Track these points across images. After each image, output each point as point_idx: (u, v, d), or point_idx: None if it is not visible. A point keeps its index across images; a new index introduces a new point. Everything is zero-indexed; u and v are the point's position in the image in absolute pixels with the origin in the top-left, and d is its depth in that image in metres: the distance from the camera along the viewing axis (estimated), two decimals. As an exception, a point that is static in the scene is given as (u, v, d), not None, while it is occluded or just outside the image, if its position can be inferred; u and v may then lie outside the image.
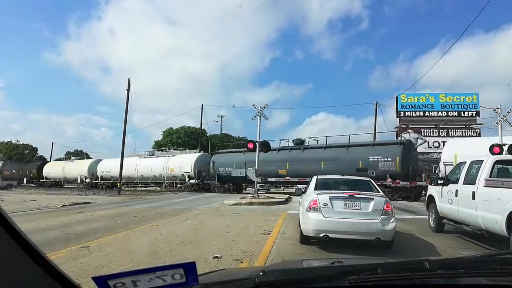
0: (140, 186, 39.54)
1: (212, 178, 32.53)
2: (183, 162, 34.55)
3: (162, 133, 58.24)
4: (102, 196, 25.73)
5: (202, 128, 47.57)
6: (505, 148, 16.46)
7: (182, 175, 34.14)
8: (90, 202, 18.83)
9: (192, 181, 33.44)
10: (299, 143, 29.17)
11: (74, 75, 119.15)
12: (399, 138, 30.73)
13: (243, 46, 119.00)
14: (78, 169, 43.82)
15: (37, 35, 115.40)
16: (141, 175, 37.45)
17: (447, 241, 8.02)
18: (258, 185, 21.92)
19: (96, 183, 40.86)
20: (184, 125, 56.64)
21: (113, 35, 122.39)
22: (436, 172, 18.27)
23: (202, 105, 44.24)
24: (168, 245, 7.01)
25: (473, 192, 7.16)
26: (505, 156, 11.62)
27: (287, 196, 22.46)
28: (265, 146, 21.11)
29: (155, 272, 0.92)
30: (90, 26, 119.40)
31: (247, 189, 32.31)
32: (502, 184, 6.45)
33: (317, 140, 29.49)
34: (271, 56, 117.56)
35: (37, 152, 76.05)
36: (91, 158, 48.91)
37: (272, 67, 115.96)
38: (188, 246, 6.97)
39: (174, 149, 42.30)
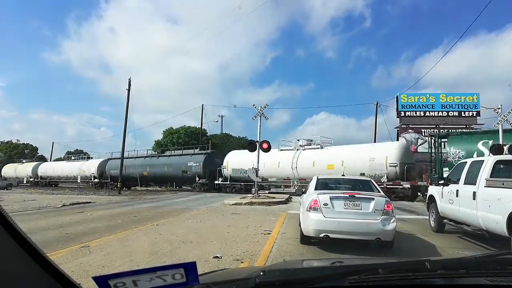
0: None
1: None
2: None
3: (162, 132, 58.23)
4: (102, 196, 25.75)
5: (203, 128, 47.69)
6: (506, 148, 16.44)
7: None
8: (90, 202, 18.85)
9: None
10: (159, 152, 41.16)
11: (75, 75, 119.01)
12: (399, 139, 30.77)
13: (244, 45, 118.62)
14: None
15: (37, 34, 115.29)
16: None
17: (447, 241, 8.02)
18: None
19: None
20: (185, 125, 56.63)
21: (113, 34, 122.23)
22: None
23: (203, 105, 44.33)
24: (168, 245, 7.01)
25: (474, 192, 7.15)
26: (505, 156, 11.60)
27: (287, 196, 22.46)
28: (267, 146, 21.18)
29: (156, 272, 0.92)
30: (90, 25, 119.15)
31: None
32: (503, 184, 6.44)
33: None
34: (272, 55, 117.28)
35: (37, 151, 76.22)
36: (91, 158, 48.80)
37: (273, 66, 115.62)
38: (189, 246, 6.97)
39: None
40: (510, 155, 12.69)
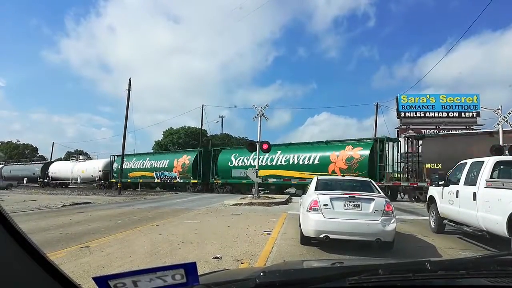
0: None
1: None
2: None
3: (162, 133, 58.29)
4: (102, 196, 25.75)
5: (203, 128, 47.71)
6: (506, 149, 16.45)
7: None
8: (90, 202, 18.86)
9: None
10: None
11: (74, 74, 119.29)
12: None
13: (245, 45, 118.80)
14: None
15: (36, 32, 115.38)
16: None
17: (447, 242, 8.01)
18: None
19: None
20: (185, 125, 56.69)
21: (113, 32, 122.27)
22: None
23: (203, 105, 44.33)
24: (168, 246, 7.01)
25: (474, 193, 7.15)
26: (506, 157, 11.61)
27: (287, 196, 22.47)
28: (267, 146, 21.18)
29: (156, 273, 0.92)
30: (89, 24, 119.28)
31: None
32: (503, 185, 6.44)
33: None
34: (274, 55, 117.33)
35: (38, 152, 76.24)
36: (91, 159, 48.36)
37: (275, 66, 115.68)
38: (189, 247, 6.97)
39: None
40: (510, 156, 12.70)
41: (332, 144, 26.15)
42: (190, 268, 0.94)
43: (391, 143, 24.29)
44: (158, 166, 35.70)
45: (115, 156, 38.49)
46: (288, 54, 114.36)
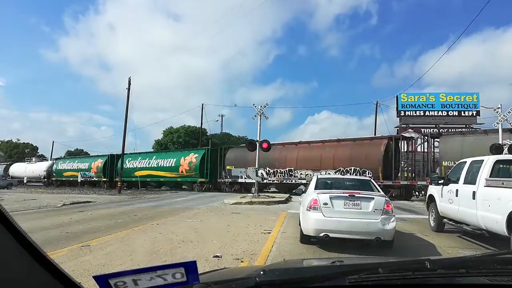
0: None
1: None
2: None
3: (162, 132, 58.23)
4: (102, 195, 25.76)
5: (203, 127, 47.68)
6: (505, 148, 16.45)
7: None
8: (90, 201, 18.86)
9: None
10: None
11: (74, 73, 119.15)
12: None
13: (246, 43, 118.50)
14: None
15: (35, 30, 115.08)
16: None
17: (447, 240, 8.02)
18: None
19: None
20: (185, 124, 56.54)
21: (112, 30, 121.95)
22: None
23: (203, 104, 44.32)
24: (168, 244, 7.02)
25: (474, 192, 7.15)
26: (505, 156, 11.61)
27: (287, 195, 22.48)
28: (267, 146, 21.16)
29: (156, 271, 0.92)
30: (88, 21, 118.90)
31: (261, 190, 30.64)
32: (503, 184, 6.45)
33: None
34: (275, 53, 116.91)
35: (38, 151, 76.21)
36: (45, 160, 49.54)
37: (276, 64, 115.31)
38: (189, 245, 6.98)
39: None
40: (509, 155, 12.70)
41: (180, 152, 35.39)
42: (190, 267, 0.95)
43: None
44: (164, 165, 35.33)
45: (55, 159, 47.18)
46: (289, 52, 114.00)
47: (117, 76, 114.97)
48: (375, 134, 34.85)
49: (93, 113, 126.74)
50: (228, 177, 30.54)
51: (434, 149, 22.32)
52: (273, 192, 28.34)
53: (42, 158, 61.41)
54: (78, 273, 4.76)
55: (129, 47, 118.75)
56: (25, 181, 48.58)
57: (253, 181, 20.84)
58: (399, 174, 23.03)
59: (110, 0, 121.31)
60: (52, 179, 45.68)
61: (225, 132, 62.48)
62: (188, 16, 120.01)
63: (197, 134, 49.73)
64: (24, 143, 77.51)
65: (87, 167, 41.92)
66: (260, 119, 21.44)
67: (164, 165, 35.28)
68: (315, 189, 7.29)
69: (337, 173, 22.98)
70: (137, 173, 36.45)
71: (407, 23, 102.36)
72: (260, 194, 20.92)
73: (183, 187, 35.21)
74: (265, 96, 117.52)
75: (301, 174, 26.65)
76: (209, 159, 31.82)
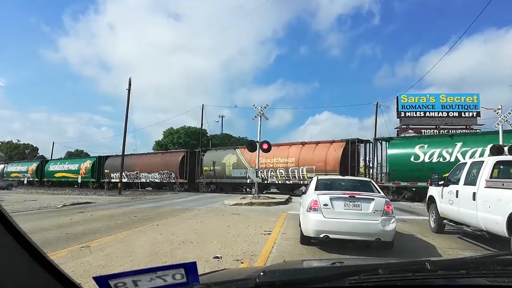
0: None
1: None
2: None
3: (162, 133, 58.27)
4: (102, 196, 25.75)
5: (203, 128, 47.70)
6: (506, 149, 16.44)
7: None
8: (90, 202, 18.86)
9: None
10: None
11: (74, 73, 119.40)
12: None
13: (247, 43, 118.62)
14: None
15: (35, 30, 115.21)
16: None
17: (447, 242, 8.02)
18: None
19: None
20: (185, 125, 56.66)
21: (112, 30, 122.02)
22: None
23: (203, 105, 44.32)
24: (168, 245, 7.01)
25: (474, 193, 7.15)
26: (505, 157, 11.61)
27: (287, 196, 22.49)
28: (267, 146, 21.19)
29: (156, 272, 0.92)
30: (88, 21, 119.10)
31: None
32: (503, 185, 6.44)
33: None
34: (276, 53, 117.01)
35: (38, 151, 76.25)
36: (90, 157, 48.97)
37: (277, 65, 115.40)
38: (189, 246, 6.97)
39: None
40: (510, 156, 12.70)
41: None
42: (190, 268, 0.95)
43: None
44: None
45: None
46: (291, 52, 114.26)
47: (117, 76, 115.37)
48: (375, 135, 34.81)
49: (93, 113, 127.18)
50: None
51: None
52: (274, 192, 28.41)
53: (41, 158, 61.46)
54: (78, 274, 4.76)
55: (129, 47, 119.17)
56: None
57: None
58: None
59: (111, 1, 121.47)
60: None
61: (226, 133, 62.56)
62: (188, 15, 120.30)
63: (197, 134, 49.78)
64: (24, 144, 77.55)
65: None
66: (260, 120, 21.44)
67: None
68: (315, 190, 7.28)
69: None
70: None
71: (409, 23, 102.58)
72: (260, 195, 20.91)
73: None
74: (266, 96, 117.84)
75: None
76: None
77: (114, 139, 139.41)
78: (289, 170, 27.32)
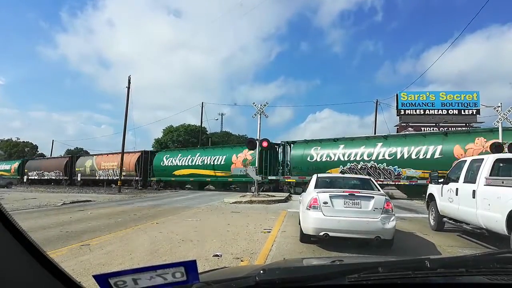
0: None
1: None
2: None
3: (162, 130, 58.22)
4: (102, 194, 25.77)
5: (203, 126, 47.68)
6: (506, 146, 16.47)
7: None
8: (90, 200, 18.87)
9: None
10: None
11: (73, 71, 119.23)
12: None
13: (248, 40, 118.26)
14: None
15: (33, 27, 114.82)
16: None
17: (447, 239, 8.03)
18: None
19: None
20: (184, 123, 56.55)
21: (111, 27, 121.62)
22: None
23: (203, 103, 44.34)
24: (168, 243, 7.02)
25: (474, 191, 7.15)
26: (505, 154, 11.62)
27: (287, 194, 22.52)
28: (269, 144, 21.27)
29: (156, 270, 0.92)
30: (87, 17, 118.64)
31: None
32: (503, 182, 6.44)
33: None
34: (277, 50, 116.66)
35: (37, 150, 76.23)
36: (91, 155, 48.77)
37: (278, 62, 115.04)
38: (189, 244, 6.98)
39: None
40: (509, 154, 12.71)
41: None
42: (190, 266, 0.95)
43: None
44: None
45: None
46: (292, 49, 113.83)
47: (117, 73, 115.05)
48: (375, 133, 34.83)
49: (93, 111, 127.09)
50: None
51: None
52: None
53: (41, 156, 61.49)
54: (78, 272, 4.77)
55: (129, 43, 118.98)
56: None
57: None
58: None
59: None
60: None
61: (225, 131, 62.54)
62: (189, 12, 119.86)
63: (197, 132, 49.76)
64: (24, 142, 77.53)
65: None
66: (260, 117, 21.44)
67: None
68: (315, 188, 7.29)
69: None
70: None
71: (411, 20, 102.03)
72: (260, 193, 20.93)
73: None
74: (267, 94, 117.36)
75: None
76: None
77: (114, 137, 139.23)
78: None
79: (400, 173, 21.93)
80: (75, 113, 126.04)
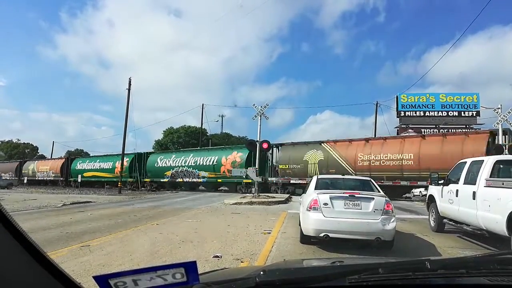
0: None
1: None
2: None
3: (162, 132, 58.24)
4: (102, 195, 25.76)
5: (203, 127, 47.69)
6: (506, 147, 16.46)
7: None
8: (90, 201, 18.87)
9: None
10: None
11: (73, 72, 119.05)
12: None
13: (249, 41, 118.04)
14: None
15: (33, 27, 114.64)
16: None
17: (447, 241, 8.02)
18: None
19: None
20: (185, 125, 56.58)
21: (111, 27, 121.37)
22: None
23: (203, 104, 44.36)
24: (168, 244, 7.02)
25: (474, 192, 7.15)
26: (505, 156, 11.62)
27: (287, 195, 22.51)
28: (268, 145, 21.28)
29: (156, 271, 0.92)
30: (87, 17, 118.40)
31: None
32: (503, 184, 6.44)
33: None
34: (279, 51, 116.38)
35: (38, 151, 76.22)
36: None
37: (279, 63, 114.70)
38: (189, 245, 6.98)
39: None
40: (510, 155, 12.71)
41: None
42: (190, 267, 0.95)
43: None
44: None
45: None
46: (294, 50, 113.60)
47: (117, 74, 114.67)
48: (375, 135, 34.82)
49: (93, 113, 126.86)
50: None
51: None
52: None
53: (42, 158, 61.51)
54: (78, 273, 4.76)
55: (129, 44, 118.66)
56: None
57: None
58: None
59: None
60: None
61: (226, 133, 62.56)
62: (190, 12, 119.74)
63: (197, 134, 49.75)
64: (24, 143, 77.55)
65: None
66: (260, 119, 21.46)
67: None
68: (315, 189, 7.28)
69: None
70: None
71: (413, 20, 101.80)
72: (260, 194, 20.93)
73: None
74: (268, 95, 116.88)
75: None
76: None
77: (114, 138, 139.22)
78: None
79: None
80: (75, 114, 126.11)
